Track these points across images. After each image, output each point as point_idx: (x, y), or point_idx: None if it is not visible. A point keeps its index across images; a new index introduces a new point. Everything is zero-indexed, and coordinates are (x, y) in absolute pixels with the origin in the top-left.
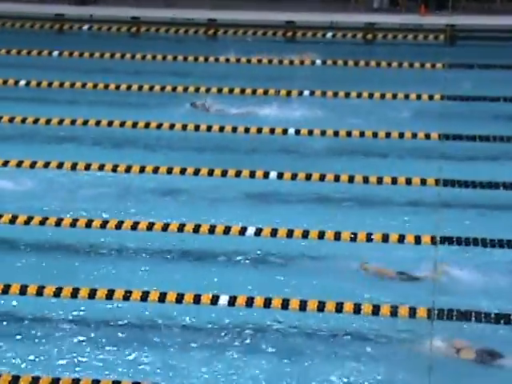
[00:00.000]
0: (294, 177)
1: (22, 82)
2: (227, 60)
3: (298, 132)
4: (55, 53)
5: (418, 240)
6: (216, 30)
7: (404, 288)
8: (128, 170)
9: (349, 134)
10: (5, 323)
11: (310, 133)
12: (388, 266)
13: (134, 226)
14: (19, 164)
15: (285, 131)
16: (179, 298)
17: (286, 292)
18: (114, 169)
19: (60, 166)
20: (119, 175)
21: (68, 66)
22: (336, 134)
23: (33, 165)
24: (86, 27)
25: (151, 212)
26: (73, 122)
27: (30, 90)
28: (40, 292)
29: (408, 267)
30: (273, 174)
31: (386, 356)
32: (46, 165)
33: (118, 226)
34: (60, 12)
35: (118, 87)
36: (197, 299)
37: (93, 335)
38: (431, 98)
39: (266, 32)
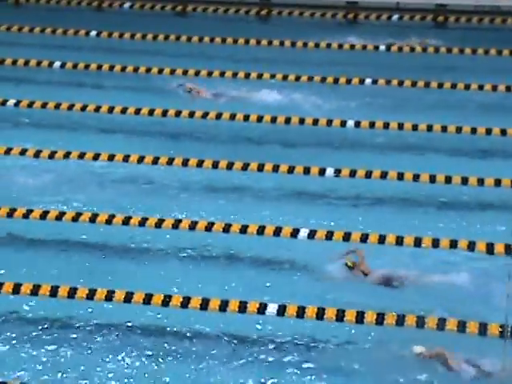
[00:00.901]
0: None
1: (57, 64)
2: (281, 43)
3: (357, 124)
4: (93, 33)
5: None
6: (269, 11)
7: None
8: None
9: (415, 127)
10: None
11: (372, 125)
12: None
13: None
14: (52, 155)
15: (343, 123)
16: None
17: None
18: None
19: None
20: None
21: (107, 47)
22: (401, 126)
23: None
24: (127, 5)
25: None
26: (109, 110)
27: (65, 73)
28: (92, 295)
29: None
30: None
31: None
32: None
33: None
34: None
35: (160, 71)
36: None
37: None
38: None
39: (324, 13)
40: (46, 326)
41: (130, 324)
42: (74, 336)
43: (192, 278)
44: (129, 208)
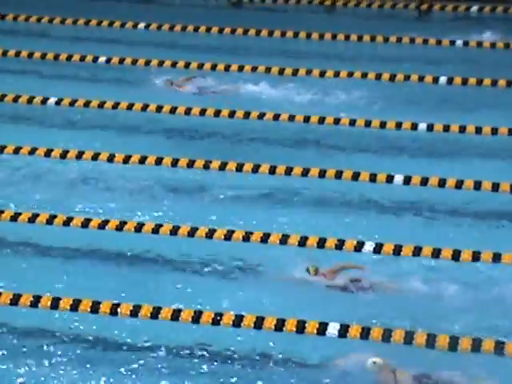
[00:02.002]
0: None
1: (102, 59)
2: (347, 37)
3: (430, 127)
4: (141, 25)
5: None
6: (334, 1)
7: None
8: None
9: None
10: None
11: (447, 129)
12: None
13: None
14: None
15: (414, 126)
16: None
17: None
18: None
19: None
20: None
21: (156, 41)
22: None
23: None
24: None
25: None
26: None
27: (110, 68)
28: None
29: None
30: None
31: None
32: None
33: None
34: None
35: (214, 67)
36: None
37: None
38: None
39: (395, 4)
40: (86, 344)
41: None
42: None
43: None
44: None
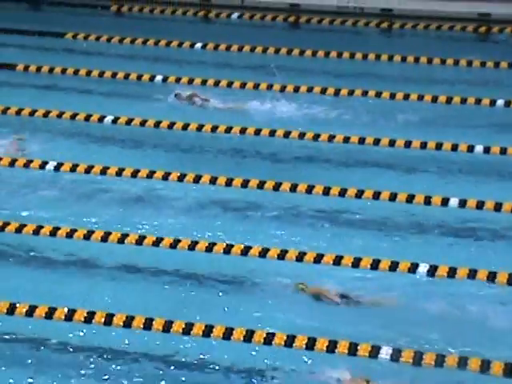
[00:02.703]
0: None
1: (159, 78)
2: (403, 59)
3: (487, 150)
4: (198, 45)
5: None
6: (391, 23)
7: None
8: None
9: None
10: None
11: (504, 152)
12: None
13: None
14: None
15: (470, 148)
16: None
17: None
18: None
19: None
20: None
21: (215, 61)
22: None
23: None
24: (235, 15)
25: None
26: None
27: (166, 86)
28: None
29: None
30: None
31: None
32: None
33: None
34: None
35: (269, 86)
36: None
37: None
38: None
39: (452, 26)
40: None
41: None
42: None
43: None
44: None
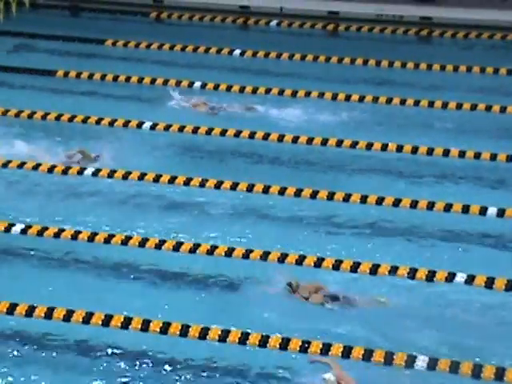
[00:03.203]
0: None
1: (197, 84)
2: (442, 68)
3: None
4: (236, 52)
5: None
6: (430, 31)
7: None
8: None
9: None
10: None
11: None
12: None
13: None
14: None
15: (508, 158)
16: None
17: None
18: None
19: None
20: None
21: (251, 68)
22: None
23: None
24: (274, 22)
25: None
26: (265, 136)
27: (204, 93)
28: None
29: None
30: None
31: None
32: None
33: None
34: (245, 4)
35: (307, 94)
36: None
37: None
38: None
39: (493, 35)
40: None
41: None
42: None
43: None
44: None
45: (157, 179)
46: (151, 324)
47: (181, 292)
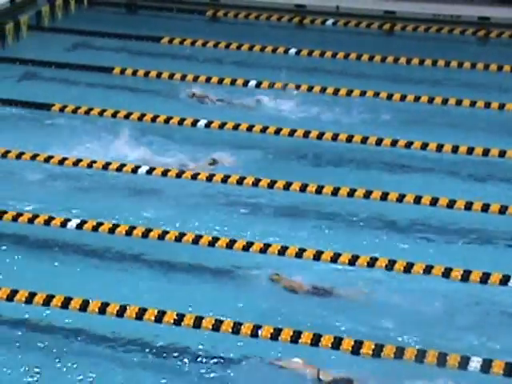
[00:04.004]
0: None
1: (252, 83)
2: (499, 68)
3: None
4: (292, 50)
5: None
6: (487, 32)
7: None
8: None
9: None
10: None
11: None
12: None
13: None
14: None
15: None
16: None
17: None
18: None
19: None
20: None
21: (305, 67)
22: None
23: None
24: (330, 21)
25: None
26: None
27: (260, 92)
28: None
29: None
30: None
31: None
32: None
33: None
34: (301, 3)
35: (363, 93)
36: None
37: None
38: None
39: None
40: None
41: None
42: None
43: None
44: None
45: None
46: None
47: None
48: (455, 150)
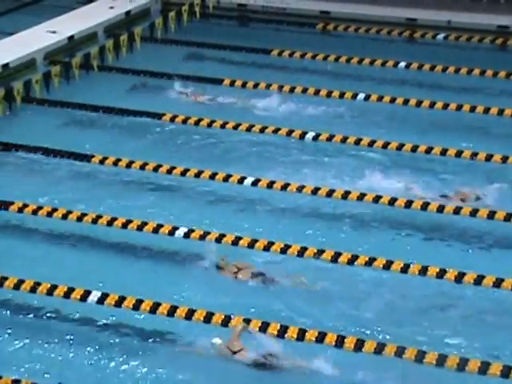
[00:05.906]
0: None
1: (361, 96)
2: None
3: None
4: (402, 64)
5: None
6: (506, 40)
7: None
8: None
9: None
10: None
11: None
12: None
13: None
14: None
15: None
16: None
17: None
18: None
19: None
20: None
21: (418, 80)
22: None
23: None
24: (441, 35)
25: None
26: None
27: (368, 105)
28: None
29: None
30: None
31: None
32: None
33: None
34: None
35: (472, 109)
36: None
37: None
38: None
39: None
40: None
41: None
42: None
43: None
44: None
45: None
46: None
47: None
48: (505, 159)
